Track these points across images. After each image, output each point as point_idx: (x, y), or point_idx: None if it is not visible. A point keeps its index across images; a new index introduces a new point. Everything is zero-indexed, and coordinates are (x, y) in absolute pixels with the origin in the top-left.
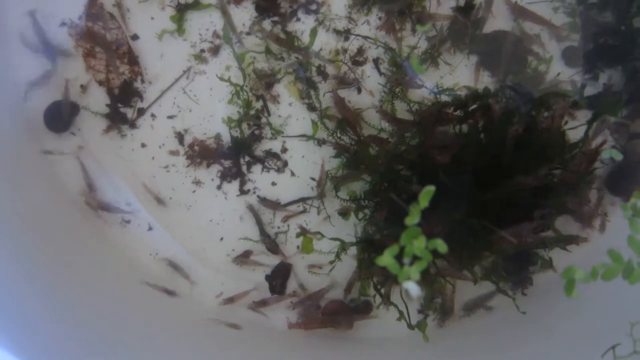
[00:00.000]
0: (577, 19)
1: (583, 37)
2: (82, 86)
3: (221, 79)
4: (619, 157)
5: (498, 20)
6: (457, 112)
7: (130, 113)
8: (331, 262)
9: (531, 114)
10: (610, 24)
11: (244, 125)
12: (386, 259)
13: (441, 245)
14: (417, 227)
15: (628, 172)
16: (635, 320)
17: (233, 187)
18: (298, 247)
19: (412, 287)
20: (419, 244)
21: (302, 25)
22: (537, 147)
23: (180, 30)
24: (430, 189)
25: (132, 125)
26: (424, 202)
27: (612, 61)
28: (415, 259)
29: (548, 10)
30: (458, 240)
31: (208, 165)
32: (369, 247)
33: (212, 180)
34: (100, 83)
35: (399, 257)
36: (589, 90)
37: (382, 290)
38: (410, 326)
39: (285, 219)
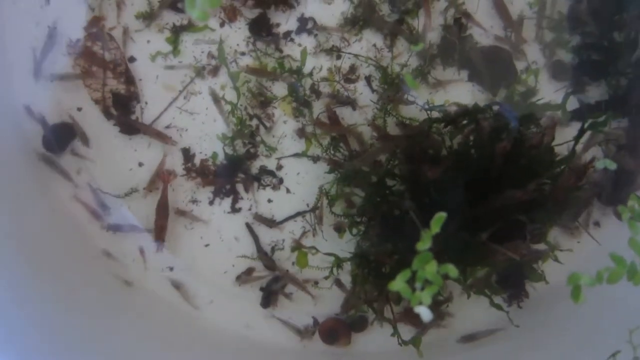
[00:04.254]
0: (563, 34)
1: (569, 52)
2: (79, 108)
3: (215, 97)
4: (612, 166)
5: (486, 36)
6: (448, 128)
7: (132, 126)
8: (326, 278)
9: (520, 130)
10: (594, 39)
11: (239, 143)
12: (398, 284)
13: (452, 270)
14: (429, 252)
15: (618, 182)
16: (633, 327)
17: (227, 205)
18: (293, 263)
19: (424, 312)
20: (430, 269)
21: (296, 45)
22: (526, 163)
23: (175, 51)
24: (442, 215)
25: (132, 142)
26: (435, 227)
27: (597, 75)
28: (426, 283)
29: (531, 26)
30: (451, 254)
31: (204, 185)
32: (363, 262)
33: (208, 198)
34: (97, 102)
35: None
36: (574, 104)
37: (375, 306)
38: (403, 342)
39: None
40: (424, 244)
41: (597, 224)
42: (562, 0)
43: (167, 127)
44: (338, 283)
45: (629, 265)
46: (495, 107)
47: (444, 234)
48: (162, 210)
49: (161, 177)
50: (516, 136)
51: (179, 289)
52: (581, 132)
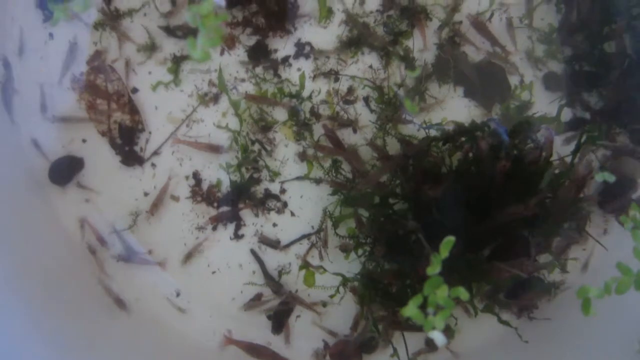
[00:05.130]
0: (554, 46)
1: (561, 64)
2: (84, 140)
3: (218, 126)
4: (611, 179)
5: (479, 52)
6: (446, 146)
7: (136, 155)
8: (331, 297)
9: (518, 147)
10: (585, 50)
11: (243, 170)
12: (411, 310)
13: (463, 294)
14: (439, 276)
15: (617, 189)
16: None
17: (231, 231)
18: (297, 290)
19: (438, 337)
20: (442, 294)
21: (294, 70)
22: (527, 178)
23: (177, 80)
24: (450, 239)
25: (137, 172)
26: (444, 252)
27: (589, 86)
28: (438, 308)
29: (523, 39)
30: (457, 274)
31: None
32: (369, 283)
33: (213, 226)
34: (103, 134)
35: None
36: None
37: (382, 326)
38: None
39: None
40: (434, 268)
41: (605, 231)
42: (551, 13)
43: (172, 154)
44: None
45: (636, 275)
46: (493, 124)
47: (449, 253)
48: None
49: None
50: (515, 153)
51: (185, 315)
52: (578, 147)
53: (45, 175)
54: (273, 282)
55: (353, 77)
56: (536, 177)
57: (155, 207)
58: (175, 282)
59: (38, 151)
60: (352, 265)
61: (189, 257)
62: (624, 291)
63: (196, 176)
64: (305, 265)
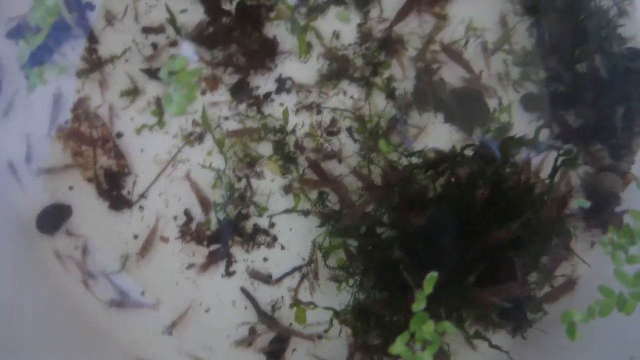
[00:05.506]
0: (530, 69)
1: (538, 85)
2: (71, 187)
3: (203, 166)
4: (586, 205)
5: (457, 78)
6: (429, 173)
7: (124, 199)
8: (325, 332)
9: (497, 172)
10: (559, 72)
11: (230, 207)
12: (398, 348)
13: (450, 328)
14: (425, 312)
15: (600, 204)
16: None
17: (222, 269)
18: (291, 324)
19: None
20: (428, 329)
21: (277, 105)
22: (508, 203)
23: (161, 123)
24: (434, 275)
25: (126, 216)
26: (428, 288)
27: (565, 106)
28: (426, 343)
29: (499, 63)
30: (445, 303)
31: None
32: (361, 315)
33: (203, 264)
34: (90, 180)
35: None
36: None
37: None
38: None
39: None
40: (419, 305)
41: (592, 245)
42: (525, 37)
43: (160, 196)
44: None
45: (617, 297)
46: (471, 151)
47: (435, 282)
48: None
49: None
50: (494, 179)
51: (180, 356)
52: (555, 170)
53: (33, 225)
54: (267, 318)
55: (334, 110)
56: (517, 201)
57: (146, 249)
58: (169, 322)
59: (25, 201)
60: (345, 296)
61: (180, 296)
62: (607, 314)
63: (188, 214)
64: (296, 303)
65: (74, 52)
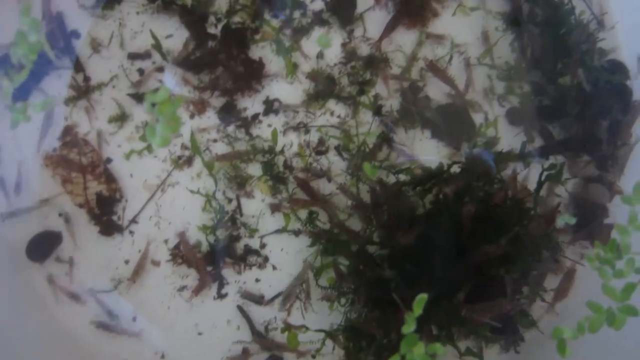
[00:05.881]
0: (513, 83)
1: (523, 99)
2: (60, 214)
3: (192, 191)
4: (572, 221)
5: (442, 94)
6: (417, 190)
7: (115, 224)
8: (317, 351)
9: (484, 188)
10: (542, 86)
11: (220, 231)
12: None
13: (440, 349)
14: (415, 334)
15: (588, 216)
16: None
17: (214, 291)
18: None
19: None
20: (418, 351)
21: (265, 126)
22: (495, 218)
23: (149, 148)
24: (423, 297)
25: (116, 241)
26: (418, 310)
27: (550, 119)
28: None
29: (482, 78)
30: (435, 321)
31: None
32: (353, 334)
33: (195, 287)
34: (80, 206)
35: None
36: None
37: None
38: None
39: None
40: (409, 327)
41: (582, 256)
42: (508, 52)
43: (150, 219)
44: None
45: (606, 312)
46: (456, 168)
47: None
48: None
49: None
50: (481, 195)
51: None
52: (540, 185)
53: (23, 253)
54: (261, 337)
55: (320, 128)
56: (505, 217)
57: (137, 274)
58: (161, 345)
59: (12, 230)
60: (337, 316)
61: (173, 319)
62: (596, 330)
63: (182, 237)
64: (287, 327)
65: (60, 79)
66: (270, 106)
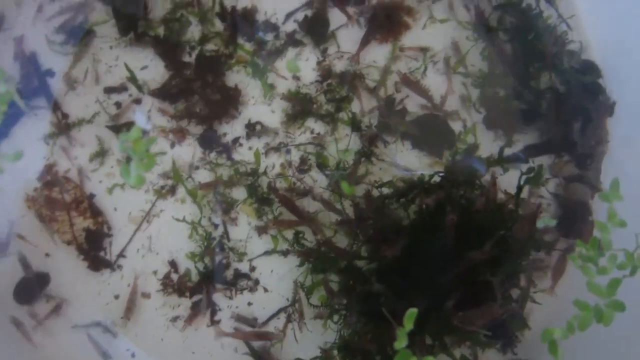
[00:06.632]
0: (487, 89)
1: (498, 104)
2: (47, 254)
3: (177, 219)
4: (552, 223)
5: (418, 105)
6: (401, 202)
7: (102, 259)
8: None
9: (465, 196)
10: (516, 90)
11: (207, 258)
12: None
13: None
14: (407, 349)
15: (572, 215)
16: None
17: (207, 318)
18: None
19: None
20: None
21: (246, 149)
22: (479, 224)
23: None
24: (413, 311)
25: (105, 277)
26: (408, 324)
27: (526, 122)
28: None
29: (458, 85)
30: (427, 331)
31: (180, 303)
32: (347, 352)
33: (188, 317)
34: (69, 243)
35: None
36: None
37: None
38: None
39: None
40: (400, 342)
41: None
42: (480, 60)
43: (137, 252)
44: None
45: (594, 308)
46: (438, 177)
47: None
48: None
49: None
50: (462, 203)
51: None
52: (520, 189)
53: (10, 297)
54: (259, 357)
55: (297, 146)
56: (488, 222)
57: (130, 310)
58: None
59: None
60: (332, 334)
61: (168, 350)
62: (586, 327)
63: (173, 265)
64: None
65: (37, 118)
66: (253, 130)
